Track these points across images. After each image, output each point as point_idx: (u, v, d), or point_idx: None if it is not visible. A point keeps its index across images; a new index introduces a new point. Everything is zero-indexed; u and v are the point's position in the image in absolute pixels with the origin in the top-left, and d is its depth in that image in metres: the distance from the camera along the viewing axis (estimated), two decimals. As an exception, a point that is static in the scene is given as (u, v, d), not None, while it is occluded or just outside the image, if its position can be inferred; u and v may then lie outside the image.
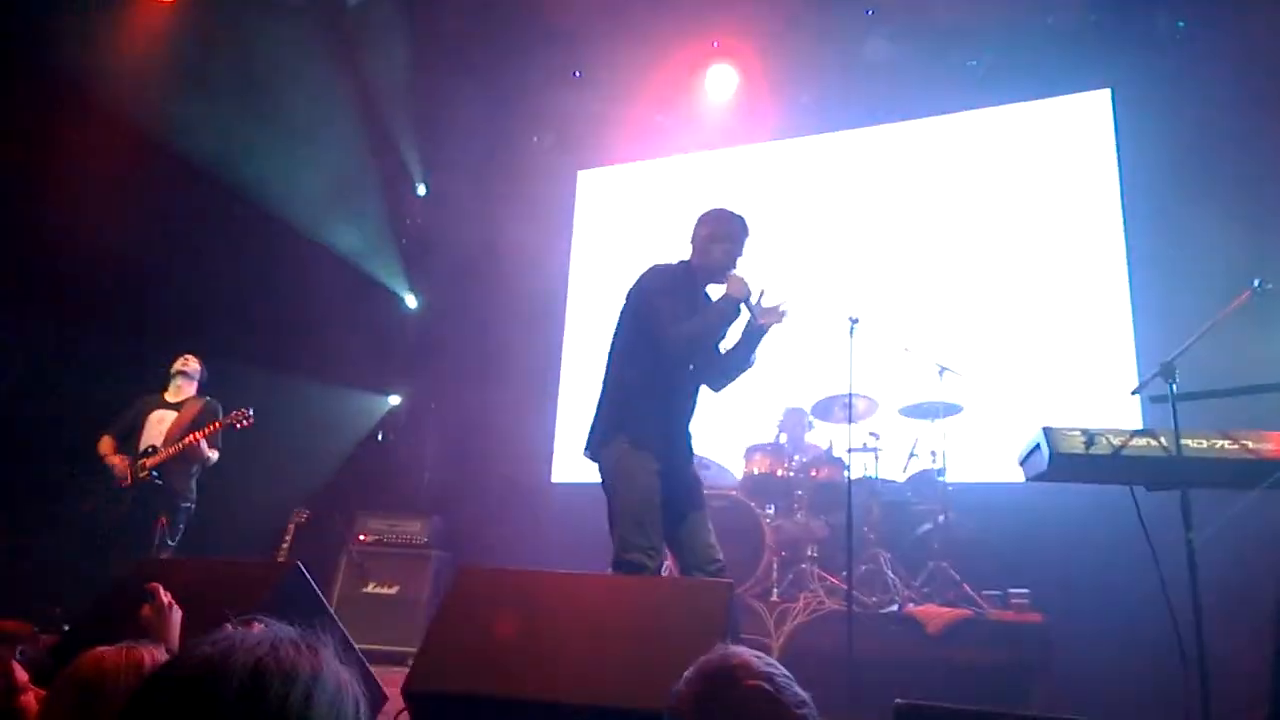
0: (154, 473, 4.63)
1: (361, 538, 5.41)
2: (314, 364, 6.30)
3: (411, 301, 7.47)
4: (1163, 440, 2.74)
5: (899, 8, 6.03)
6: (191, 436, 4.65)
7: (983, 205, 6.04)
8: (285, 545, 5.20)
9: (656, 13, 6.25)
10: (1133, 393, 3.06)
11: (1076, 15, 5.73)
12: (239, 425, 4.73)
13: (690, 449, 3.16)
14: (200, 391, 5.01)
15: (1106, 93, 5.87)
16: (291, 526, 5.22)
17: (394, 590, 5.14)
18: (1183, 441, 2.73)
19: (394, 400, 7.26)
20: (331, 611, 2.63)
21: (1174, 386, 2.82)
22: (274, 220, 6.19)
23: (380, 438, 7.06)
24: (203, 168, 5.90)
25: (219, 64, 5.97)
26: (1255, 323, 3.46)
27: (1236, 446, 2.74)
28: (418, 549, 5.41)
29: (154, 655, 1.55)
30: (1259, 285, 3.14)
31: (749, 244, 3.09)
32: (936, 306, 5.91)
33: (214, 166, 5.93)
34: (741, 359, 3.11)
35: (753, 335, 3.03)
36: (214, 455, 4.78)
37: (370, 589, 5.17)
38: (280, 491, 5.66)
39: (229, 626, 0.92)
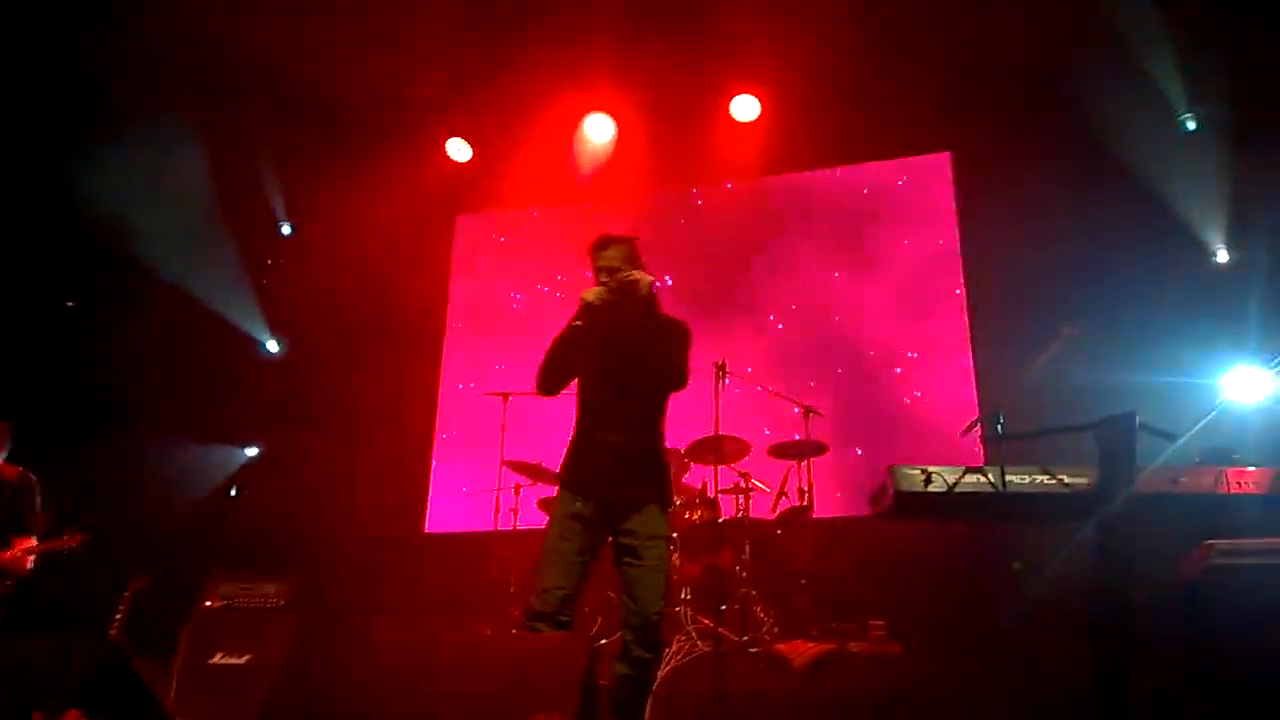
0: None
1: (209, 603, 5.00)
2: (158, 415, 5.86)
3: (273, 346, 7.09)
4: (990, 476, 2.95)
5: (765, 73, 6.36)
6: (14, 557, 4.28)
7: (839, 255, 6.39)
8: (120, 617, 4.74)
9: (535, 63, 6.31)
10: (961, 434, 3.28)
11: (922, 81, 6.22)
12: (67, 548, 4.45)
13: (640, 493, 2.93)
14: (11, 457, 4.56)
15: (947, 155, 6.39)
16: (127, 595, 4.77)
17: (245, 660, 4.75)
18: (1008, 478, 2.95)
19: (251, 452, 6.83)
20: (154, 692, 2.41)
21: (1000, 426, 3.06)
22: (111, 259, 5.77)
23: (233, 492, 6.61)
24: (26, 199, 5.45)
25: (51, 92, 5.57)
26: (1079, 361, 3.83)
27: (1055, 481, 3.00)
28: (273, 612, 5.04)
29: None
30: (1067, 331, 3.50)
31: (605, 260, 3.03)
32: (799, 352, 6.17)
33: (39, 198, 5.48)
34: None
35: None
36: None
37: (219, 659, 4.76)
38: (117, 557, 5.18)
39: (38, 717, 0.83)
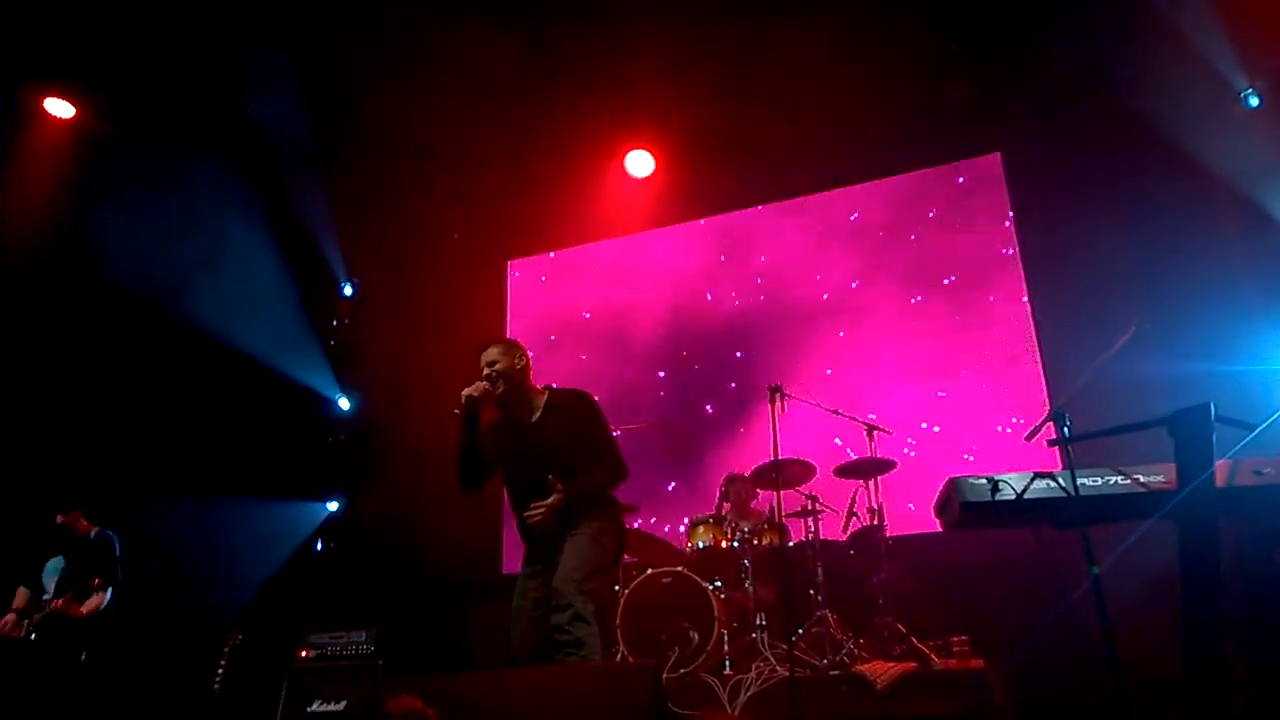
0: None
1: (304, 654, 5.21)
2: (241, 478, 6.18)
3: (344, 403, 7.41)
4: (1061, 481, 2.87)
5: (802, 88, 6.36)
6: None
7: (895, 267, 6.33)
8: (220, 671, 4.97)
9: (574, 102, 6.47)
10: (1026, 438, 3.21)
11: (968, 88, 6.17)
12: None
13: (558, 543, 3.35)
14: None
15: (998, 156, 6.29)
16: (226, 650, 5.01)
17: (341, 705, 4.93)
18: (1080, 480, 2.87)
19: (333, 506, 7.11)
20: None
21: (1067, 429, 2.98)
22: (187, 333, 6.16)
23: (319, 546, 6.88)
24: (113, 283, 5.89)
25: (119, 172, 6.02)
26: (1152, 354, 3.71)
27: (1129, 481, 2.90)
28: (365, 659, 5.22)
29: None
30: (1138, 323, 3.40)
31: (484, 359, 3.51)
32: (860, 368, 6.11)
33: (124, 281, 5.91)
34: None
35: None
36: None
37: (316, 708, 4.94)
38: (213, 614, 5.47)
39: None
